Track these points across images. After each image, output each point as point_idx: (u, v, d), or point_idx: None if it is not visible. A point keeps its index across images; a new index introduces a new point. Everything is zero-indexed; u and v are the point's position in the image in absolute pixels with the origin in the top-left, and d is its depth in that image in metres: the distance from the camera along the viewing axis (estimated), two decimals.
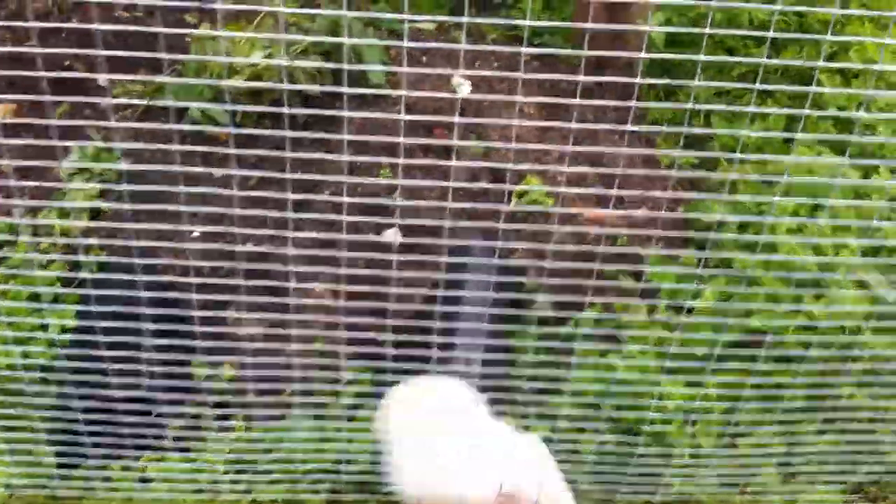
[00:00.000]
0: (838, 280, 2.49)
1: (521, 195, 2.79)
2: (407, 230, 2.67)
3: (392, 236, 2.65)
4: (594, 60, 3.20)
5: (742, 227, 2.79)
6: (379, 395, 2.25)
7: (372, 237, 2.68)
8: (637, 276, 2.69)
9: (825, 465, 2.44)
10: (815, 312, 2.40)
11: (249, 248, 2.47)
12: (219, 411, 2.29)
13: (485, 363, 2.34)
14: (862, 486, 2.60)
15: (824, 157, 2.90)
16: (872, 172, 2.88)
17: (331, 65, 2.67)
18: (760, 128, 3.15)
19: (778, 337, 2.38)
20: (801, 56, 3.40)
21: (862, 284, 2.51)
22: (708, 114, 3.31)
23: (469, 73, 3.08)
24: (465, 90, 2.98)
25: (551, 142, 3.00)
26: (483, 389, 2.30)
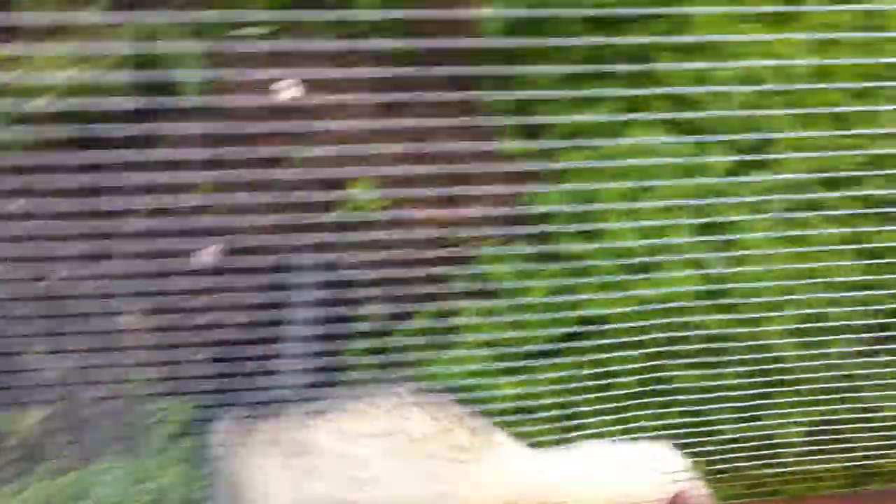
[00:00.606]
0: (667, 261, 2.45)
1: (349, 201, 2.69)
2: (229, 249, 2.56)
3: (208, 256, 2.53)
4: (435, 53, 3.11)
5: (577, 216, 2.75)
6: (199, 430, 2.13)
7: (187, 258, 2.55)
8: (473, 275, 2.63)
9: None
10: (644, 295, 2.36)
11: (54, 280, 2.33)
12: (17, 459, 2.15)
13: (314, 382, 2.24)
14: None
15: (657, 138, 2.87)
16: (707, 149, 2.86)
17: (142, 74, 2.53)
18: (599, 111, 3.10)
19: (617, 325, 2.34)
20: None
21: (693, 263, 2.48)
22: (549, 101, 3.25)
23: (298, 72, 2.97)
24: (290, 94, 2.86)
25: (385, 143, 2.91)
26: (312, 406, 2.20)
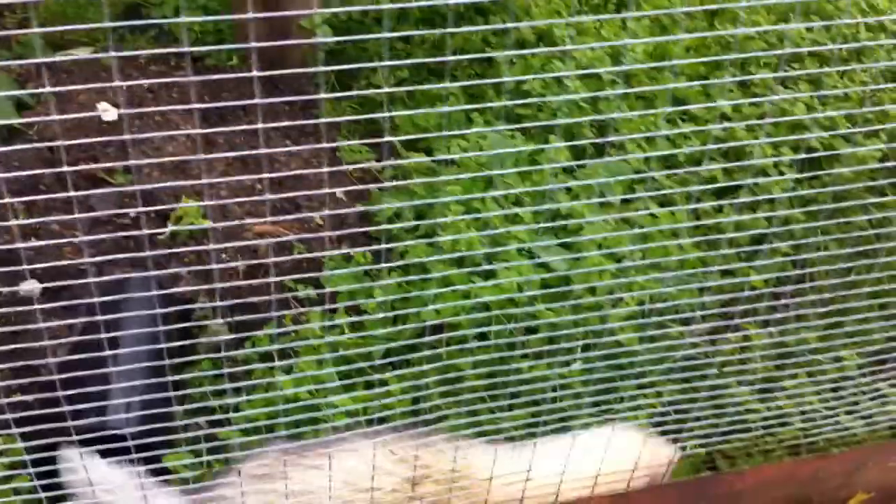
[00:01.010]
0: (508, 254, 2.42)
1: (178, 219, 2.58)
2: (48, 276, 2.41)
3: (30, 286, 2.39)
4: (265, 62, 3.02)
5: (419, 215, 2.70)
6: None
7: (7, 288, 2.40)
8: (316, 283, 2.55)
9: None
10: (485, 293, 2.32)
11: None
12: None
13: (148, 405, 2.12)
14: None
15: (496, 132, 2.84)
16: (544, 140, 2.85)
17: None
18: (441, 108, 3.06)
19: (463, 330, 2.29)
20: (485, 34, 3.33)
21: (535, 257, 2.46)
22: (392, 101, 3.20)
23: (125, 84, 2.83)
24: (110, 115, 2.73)
25: (216, 153, 2.80)
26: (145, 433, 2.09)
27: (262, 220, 2.63)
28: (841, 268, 2.05)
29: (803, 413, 2.07)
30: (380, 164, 2.84)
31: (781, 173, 2.75)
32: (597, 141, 2.70)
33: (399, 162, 2.83)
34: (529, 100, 2.79)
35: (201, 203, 2.54)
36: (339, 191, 2.80)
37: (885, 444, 2.11)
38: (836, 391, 2.11)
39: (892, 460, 1.99)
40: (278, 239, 2.61)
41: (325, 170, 2.94)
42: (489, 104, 2.90)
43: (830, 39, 3.16)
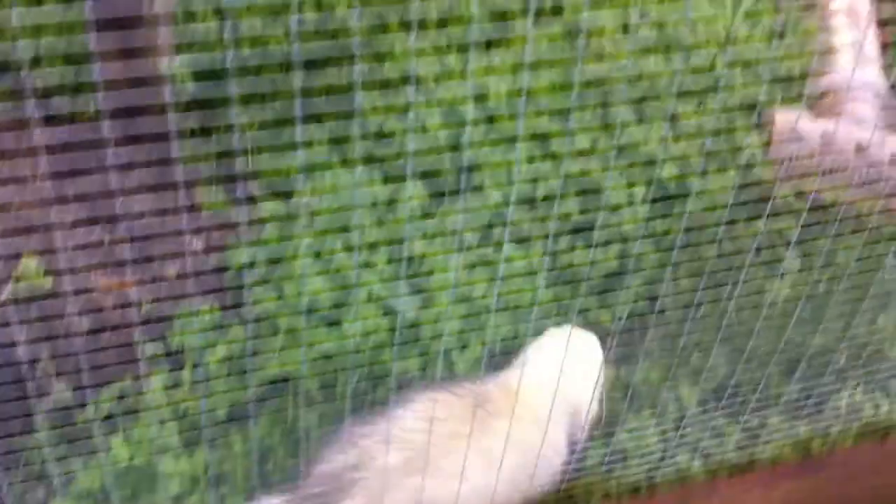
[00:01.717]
0: (358, 301, 2.40)
1: (19, 279, 2.50)
2: None
3: None
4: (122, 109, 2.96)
5: (273, 263, 2.66)
6: None
7: None
8: (163, 340, 2.48)
9: None
10: (336, 344, 2.29)
11: None
12: None
13: None
14: None
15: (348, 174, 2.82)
16: (403, 183, 2.83)
17: None
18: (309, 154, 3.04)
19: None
20: (343, 76, 3.31)
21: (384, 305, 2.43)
22: (255, 149, 3.16)
23: None
24: None
25: (64, 212, 2.73)
26: None
27: (122, 276, 2.57)
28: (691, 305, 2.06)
29: (643, 452, 2.07)
30: (237, 213, 2.79)
31: (635, 210, 2.77)
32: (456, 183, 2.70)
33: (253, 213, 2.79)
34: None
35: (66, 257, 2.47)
36: (196, 242, 2.75)
37: (710, 482, 2.11)
38: (676, 429, 2.12)
39: (714, 499, 1.99)
40: (128, 294, 2.54)
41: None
42: (337, 138, 2.87)
43: (689, 72, 3.20)
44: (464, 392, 1.95)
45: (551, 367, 1.89)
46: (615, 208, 2.74)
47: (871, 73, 3.20)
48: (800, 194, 2.87)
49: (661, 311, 2.52)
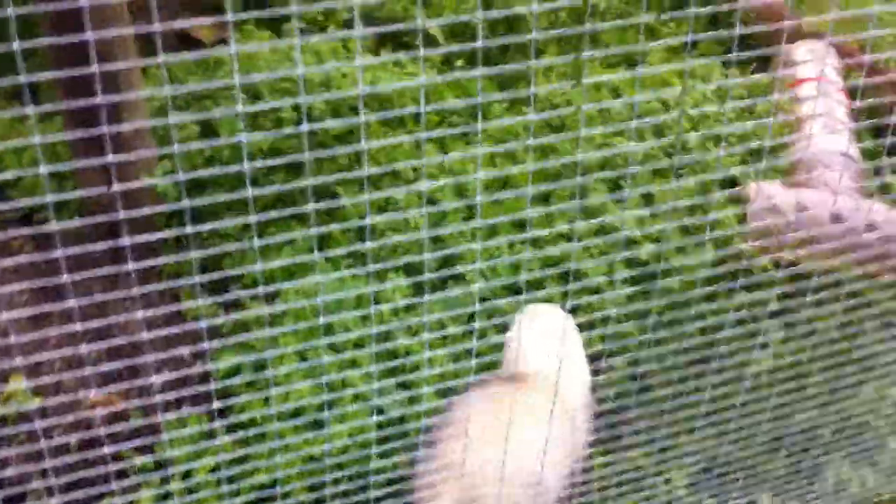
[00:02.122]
0: (344, 402, 2.40)
1: (7, 398, 2.52)
2: None
3: None
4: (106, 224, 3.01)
5: (259, 369, 2.67)
6: None
7: None
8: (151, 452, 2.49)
9: None
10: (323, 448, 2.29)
11: None
12: None
13: None
14: None
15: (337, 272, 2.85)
16: (385, 277, 2.87)
17: None
18: (290, 254, 3.08)
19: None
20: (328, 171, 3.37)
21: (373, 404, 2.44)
22: (240, 253, 3.20)
23: None
24: None
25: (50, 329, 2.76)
26: None
27: (111, 390, 2.58)
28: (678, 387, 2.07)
29: None
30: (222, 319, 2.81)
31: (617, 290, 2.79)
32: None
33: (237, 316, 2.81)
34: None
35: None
36: (183, 350, 2.77)
37: None
38: None
39: None
40: (116, 408, 2.56)
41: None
42: (301, 233, 2.91)
43: (662, 152, 3.26)
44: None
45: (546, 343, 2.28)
46: (596, 291, 2.77)
47: (842, 141, 3.25)
48: (779, 265, 2.90)
49: (646, 390, 2.52)
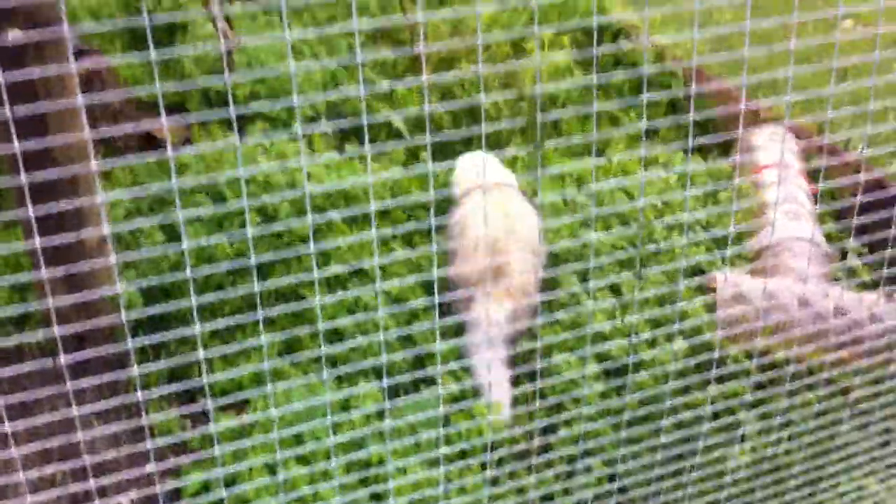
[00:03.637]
0: None
1: None
2: None
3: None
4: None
5: (231, 482, 2.61)
6: None
7: None
8: None
9: None
10: None
11: None
12: None
13: None
14: None
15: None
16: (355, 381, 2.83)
17: None
18: (258, 360, 3.03)
19: None
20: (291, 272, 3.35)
21: None
22: (207, 360, 3.15)
23: None
24: None
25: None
26: None
27: None
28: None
29: None
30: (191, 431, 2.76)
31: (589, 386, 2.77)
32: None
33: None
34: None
35: None
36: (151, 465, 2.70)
37: None
38: None
39: None
40: None
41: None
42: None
43: (629, 242, 3.27)
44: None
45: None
46: (566, 389, 2.74)
47: (806, 226, 3.28)
48: (751, 355, 2.89)
49: (623, 490, 2.49)
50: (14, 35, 2.47)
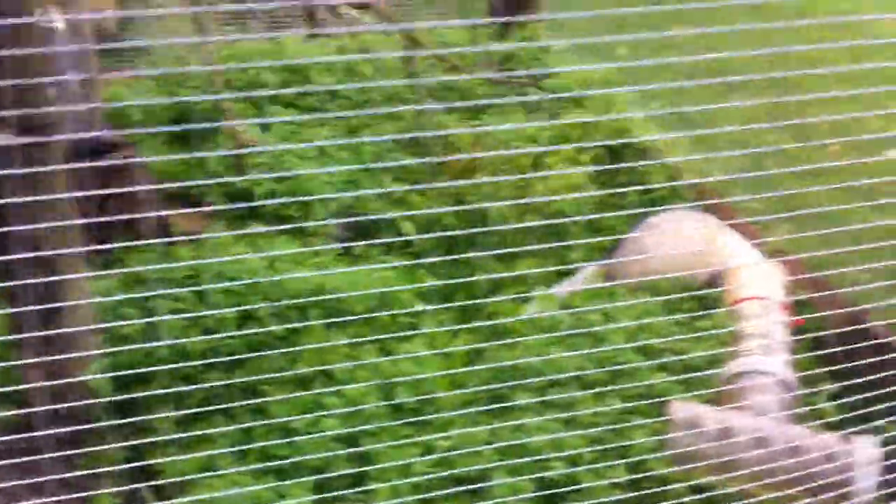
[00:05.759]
0: None
1: None
2: None
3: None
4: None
5: None
6: None
7: None
8: None
9: None
10: None
11: None
12: None
13: None
14: None
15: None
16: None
17: None
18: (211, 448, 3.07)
19: None
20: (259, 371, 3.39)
21: None
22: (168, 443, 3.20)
23: None
24: None
25: None
26: None
27: None
28: None
29: None
30: None
31: None
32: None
33: None
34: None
35: None
36: None
37: None
38: None
39: None
40: None
41: None
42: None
43: (591, 363, 3.24)
44: None
45: None
46: None
47: (778, 362, 3.21)
48: (697, 489, 2.81)
49: None
50: None
